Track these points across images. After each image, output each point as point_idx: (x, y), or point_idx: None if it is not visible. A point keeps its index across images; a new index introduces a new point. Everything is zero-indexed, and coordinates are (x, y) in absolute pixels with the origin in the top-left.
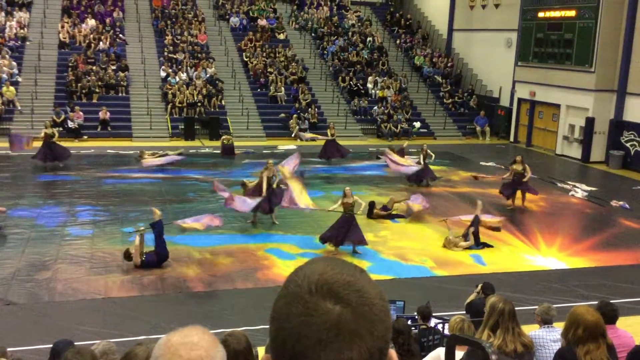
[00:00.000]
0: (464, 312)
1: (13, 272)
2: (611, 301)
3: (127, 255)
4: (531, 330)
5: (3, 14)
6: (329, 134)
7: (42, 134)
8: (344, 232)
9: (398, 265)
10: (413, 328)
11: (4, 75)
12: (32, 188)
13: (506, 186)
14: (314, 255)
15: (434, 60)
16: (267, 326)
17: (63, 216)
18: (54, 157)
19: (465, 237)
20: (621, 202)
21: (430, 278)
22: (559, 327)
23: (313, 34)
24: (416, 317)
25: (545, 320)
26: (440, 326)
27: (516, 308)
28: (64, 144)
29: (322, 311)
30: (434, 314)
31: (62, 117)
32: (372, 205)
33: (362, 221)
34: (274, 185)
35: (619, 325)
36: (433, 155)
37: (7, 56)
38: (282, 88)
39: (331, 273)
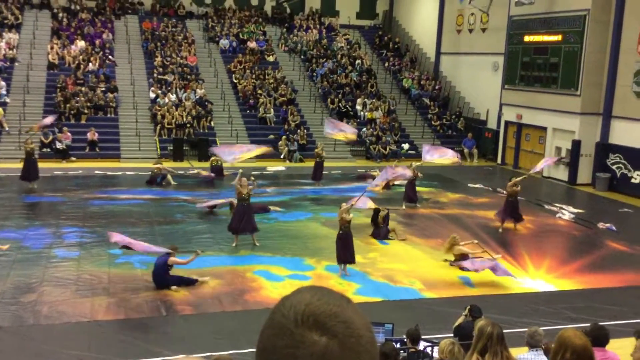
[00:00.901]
0: (453, 335)
1: None
2: (599, 323)
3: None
4: (519, 354)
5: None
6: (316, 155)
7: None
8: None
9: (387, 287)
10: (402, 351)
11: None
12: (19, 209)
13: (503, 212)
14: (302, 277)
15: (422, 82)
16: (255, 349)
17: (49, 238)
18: (30, 177)
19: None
20: (608, 225)
21: (419, 300)
22: None
23: (302, 57)
24: (405, 340)
25: (531, 344)
26: (429, 349)
27: (504, 331)
28: (52, 164)
29: (308, 343)
30: (423, 337)
31: (50, 137)
32: (377, 212)
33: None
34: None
35: (609, 349)
36: (421, 176)
37: None
38: (272, 109)
39: (317, 304)
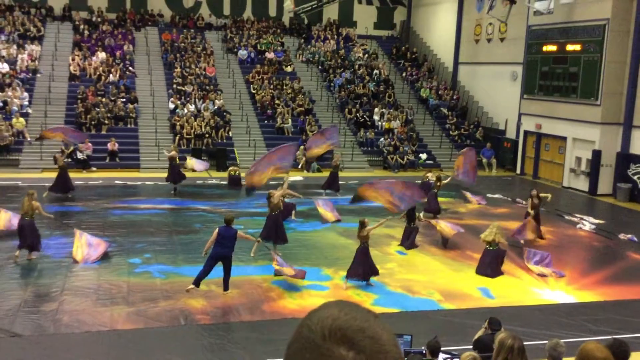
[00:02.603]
0: (472, 347)
1: (19, 303)
2: (621, 336)
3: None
4: None
5: (15, 46)
6: (332, 165)
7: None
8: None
9: (405, 298)
10: None
11: (15, 107)
12: (40, 218)
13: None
14: (320, 287)
15: (439, 92)
16: None
17: (70, 247)
18: (65, 189)
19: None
20: (629, 235)
21: (437, 311)
22: None
23: (320, 67)
24: (424, 351)
25: (553, 356)
26: None
27: (524, 343)
28: (73, 174)
29: (335, 357)
30: (442, 349)
31: (71, 148)
32: (412, 211)
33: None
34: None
35: None
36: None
37: (18, 88)
38: (289, 120)
39: (345, 318)
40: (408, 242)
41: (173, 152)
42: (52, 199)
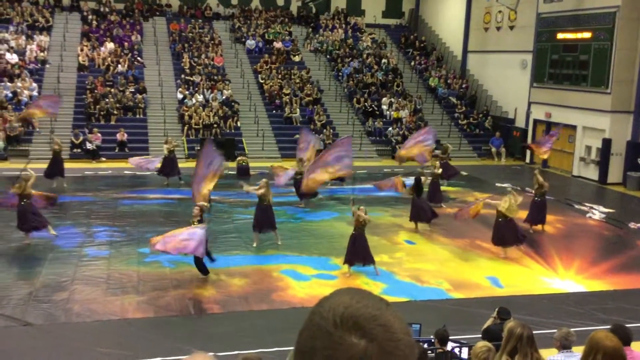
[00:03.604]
0: (481, 337)
1: (30, 292)
2: (631, 325)
3: None
4: (549, 355)
5: (24, 37)
6: None
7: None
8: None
9: (413, 287)
10: (430, 352)
11: (24, 98)
12: (50, 209)
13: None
14: (329, 276)
15: (448, 81)
16: (282, 349)
17: (80, 237)
18: (59, 172)
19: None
20: (639, 224)
21: (446, 300)
22: (578, 352)
23: (328, 56)
24: (433, 340)
25: (565, 345)
26: (457, 350)
27: (534, 332)
28: (82, 165)
29: (347, 345)
30: (451, 338)
31: (81, 138)
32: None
33: (379, 242)
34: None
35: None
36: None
37: (27, 79)
38: (297, 109)
39: (357, 306)
40: (427, 214)
41: (167, 146)
42: (61, 188)
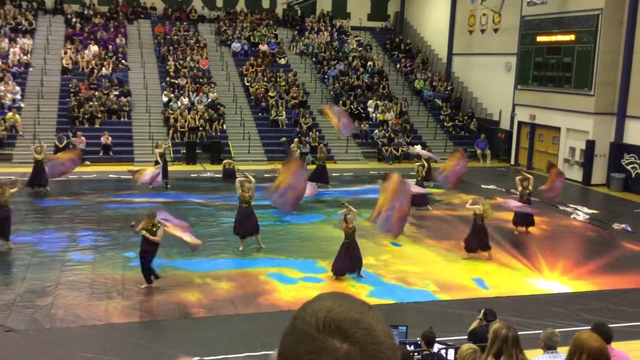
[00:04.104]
0: (467, 339)
1: (14, 298)
2: (615, 325)
3: None
4: (535, 356)
5: (7, 40)
6: (318, 157)
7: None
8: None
9: (400, 289)
10: (416, 354)
11: (7, 101)
12: (34, 213)
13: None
14: (315, 279)
15: (433, 84)
16: (269, 352)
17: (64, 241)
18: (40, 183)
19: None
20: (623, 225)
21: (433, 302)
22: (563, 352)
23: (314, 59)
24: (419, 342)
25: (549, 346)
26: (443, 352)
27: (519, 333)
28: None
29: (330, 349)
30: (437, 339)
31: (65, 142)
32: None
33: (365, 245)
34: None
35: (626, 350)
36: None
37: (10, 82)
38: (283, 112)
39: (339, 310)
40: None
41: (158, 150)
42: (43, 193)
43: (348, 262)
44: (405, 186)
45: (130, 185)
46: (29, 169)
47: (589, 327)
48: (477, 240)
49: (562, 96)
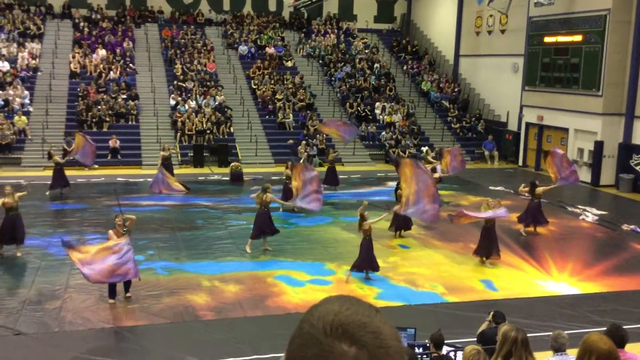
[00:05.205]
0: (476, 341)
1: (23, 301)
2: (625, 326)
3: None
4: (544, 358)
5: (15, 45)
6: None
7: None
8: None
9: (408, 292)
10: (425, 356)
11: (16, 106)
12: (43, 217)
13: (527, 216)
14: (323, 281)
15: (440, 85)
16: (277, 355)
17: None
18: (64, 184)
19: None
20: (632, 226)
21: (441, 304)
22: (572, 354)
23: (320, 61)
24: (428, 344)
25: (556, 348)
26: (452, 354)
27: (528, 335)
28: (75, 172)
29: (337, 353)
30: (446, 342)
31: (73, 146)
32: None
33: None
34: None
35: (637, 352)
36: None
37: (18, 86)
38: (290, 114)
39: (346, 313)
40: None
41: (163, 153)
42: (53, 196)
43: (364, 258)
44: (420, 164)
45: (138, 189)
46: (37, 173)
47: (599, 329)
48: (490, 244)
49: (570, 97)
